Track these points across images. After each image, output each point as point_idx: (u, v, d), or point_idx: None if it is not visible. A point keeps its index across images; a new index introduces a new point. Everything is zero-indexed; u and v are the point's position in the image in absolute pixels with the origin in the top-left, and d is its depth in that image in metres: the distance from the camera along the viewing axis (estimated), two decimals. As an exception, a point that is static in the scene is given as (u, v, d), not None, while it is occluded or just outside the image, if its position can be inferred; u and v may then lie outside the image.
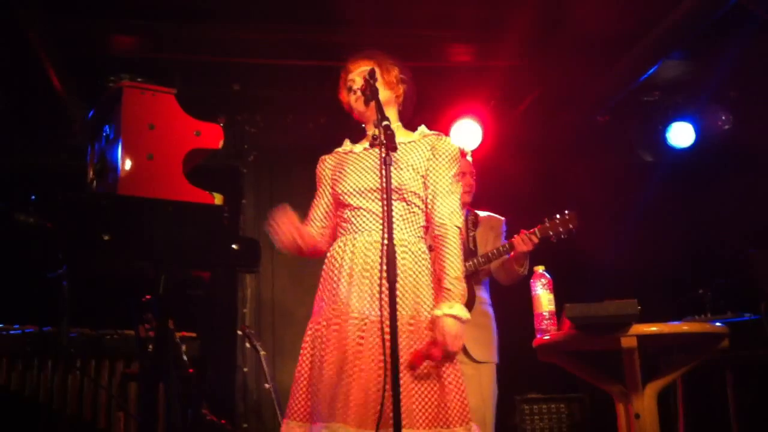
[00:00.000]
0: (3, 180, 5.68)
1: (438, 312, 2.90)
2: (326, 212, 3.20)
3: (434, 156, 3.12)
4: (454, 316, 2.88)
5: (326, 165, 3.24)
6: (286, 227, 3.02)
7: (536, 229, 4.23)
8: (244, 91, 6.00)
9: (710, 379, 4.95)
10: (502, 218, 4.51)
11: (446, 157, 3.12)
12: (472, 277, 4.21)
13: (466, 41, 5.61)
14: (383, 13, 5.13)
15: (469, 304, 4.01)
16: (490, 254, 4.24)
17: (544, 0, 4.99)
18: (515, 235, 4.23)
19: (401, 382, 2.73)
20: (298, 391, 2.95)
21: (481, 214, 4.49)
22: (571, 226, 4.24)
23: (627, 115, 6.57)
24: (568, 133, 6.44)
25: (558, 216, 4.26)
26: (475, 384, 4.07)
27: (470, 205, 4.47)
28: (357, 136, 3.29)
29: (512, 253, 4.20)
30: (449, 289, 2.95)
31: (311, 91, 5.70)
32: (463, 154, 4.40)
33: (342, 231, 3.07)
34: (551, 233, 4.23)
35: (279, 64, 5.69)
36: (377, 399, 2.75)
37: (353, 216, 3.03)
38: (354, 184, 3.06)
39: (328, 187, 3.19)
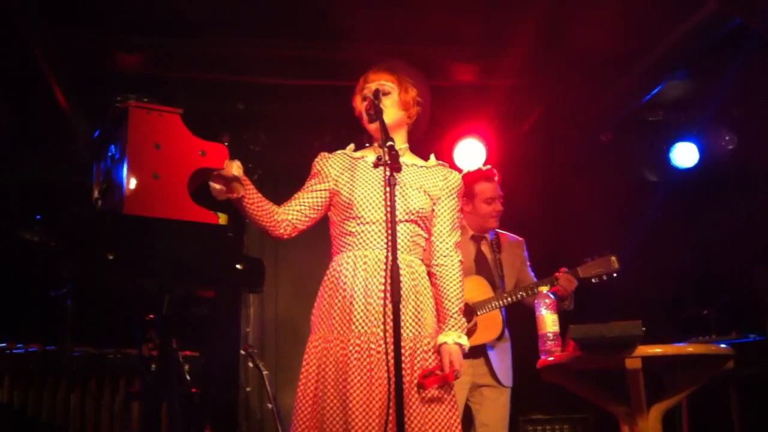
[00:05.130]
0: (7, 195, 5.68)
1: (449, 339, 2.95)
2: (314, 205, 3.09)
3: (446, 187, 3.15)
4: (461, 345, 2.95)
5: (330, 164, 3.13)
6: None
7: (578, 269, 4.27)
8: (249, 109, 6.01)
9: (715, 398, 4.94)
10: (522, 239, 4.53)
11: (456, 191, 3.19)
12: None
13: (469, 60, 5.63)
14: (387, 32, 5.15)
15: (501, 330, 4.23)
16: (530, 289, 4.22)
17: (546, 19, 5.00)
18: (559, 274, 4.26)
19: (412, 405, 2.82)
20: (302, 411, 2.92)
21: (500, 232, 4.50)
22: (614, 267, 4.26)
23: (631, 135, 6.57)
24: (571, 151, 6.44)
25: (598, 257, 4.29)
26: (498, 407, 4.22)
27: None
28: (361, 143, 3.27)
29: (559, 292, 4.19)
30: (457, 319, 3.01)
31: (316, 109, 5.71)
32: (491, 175, 4.41)
33: (347, 245, 3.01)
34: (593, 274, 4.26)
35: (283, 83, 5.71)
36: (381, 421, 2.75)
37: (362, 231, 3.00)
38: (367, 197, 3.02)
39: (329, 185, 3.10)
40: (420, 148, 3.29)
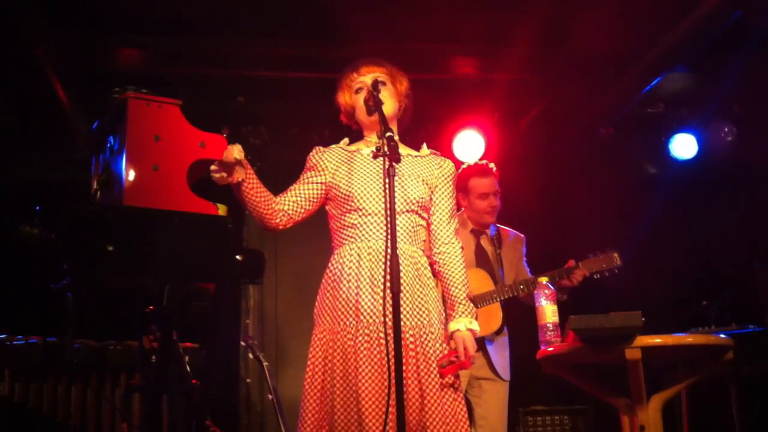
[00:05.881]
0: (8, 193, 5.69)
1: (461, 326, 2.98)
2: (310, 197, 3.09)
3: (442, 175, 3.17)
4: (473, 331, 3.00)
5: (326, 157, 3.13)
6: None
7: (580, 263, 4.27)
8: (249, 103, 6.04)
9: (715, 391, 4.93)
10: (523, 236, 4.53)
11: (451, 177, 3.21)
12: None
13: (469, 54, 5.65)
14: (387, 27, 5.17)
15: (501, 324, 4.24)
16: (531, 282, 4.21)
17: (548, 14, 5.01)
18: (570, 265, 4.25)
19: (429, 391, 2.84)
20: (310, 404, 2.91)
21: (501, 227, 4.50)
22: (616, 263, 4.28)
23: (631, 127, 6.58)
24: (571, 146, 6.44)
25: (600, 252, 4.29)
26: (497, 400, 4.24)
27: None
28: (355, 138, 3.28)
29: (568, 283, 4.22)
30: (466, 305, 3.04)
31: (315, 104, 5.73)
32: (486, 170, 4.40)
33: (349, 238, 3.02)
34: (595, 269, 4.27)
35: (283, 77, 5.73)
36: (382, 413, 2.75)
37: (364, 222, 3.00)
38: (366, 188, 3.03)
39: (325, 178, 3.10)
40: (417, 141, 3.31)
